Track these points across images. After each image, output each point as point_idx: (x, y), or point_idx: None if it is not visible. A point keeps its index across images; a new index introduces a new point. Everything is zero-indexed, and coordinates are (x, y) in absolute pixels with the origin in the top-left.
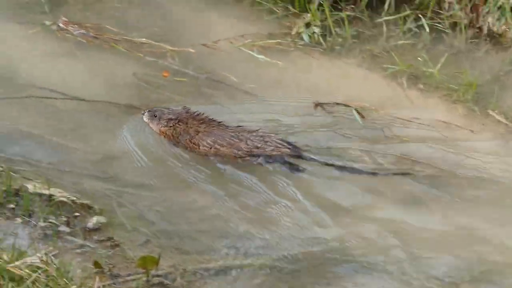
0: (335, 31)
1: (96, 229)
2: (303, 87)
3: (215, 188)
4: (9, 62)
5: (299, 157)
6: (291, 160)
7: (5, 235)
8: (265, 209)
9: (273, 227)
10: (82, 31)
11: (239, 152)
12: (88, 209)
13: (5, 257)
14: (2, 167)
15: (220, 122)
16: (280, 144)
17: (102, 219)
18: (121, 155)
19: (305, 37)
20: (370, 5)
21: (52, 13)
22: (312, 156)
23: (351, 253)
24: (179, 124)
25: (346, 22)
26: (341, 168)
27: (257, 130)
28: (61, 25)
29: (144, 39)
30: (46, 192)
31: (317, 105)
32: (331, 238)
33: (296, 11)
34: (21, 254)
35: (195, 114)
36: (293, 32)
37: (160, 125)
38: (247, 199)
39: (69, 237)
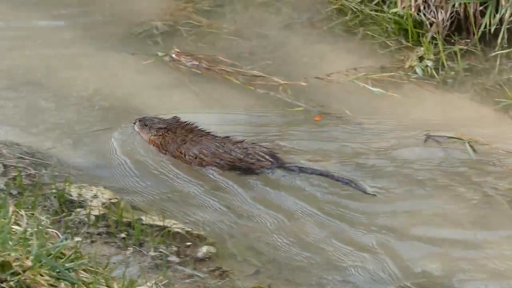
0: (447, 64)
1: (206, 259)
2: (415, 119)
3: (327, 220)
4: (123, 93)
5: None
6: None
7: (116, 264)
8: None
9: (387, 260)
10: (195, 62)
11: (221, 162)
12: (199, 239)
13: (115, 286)
14: (117, 198)
15: (209, 132)
16: (262, 157)
17: (212, 249)
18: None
19: (418, 70)
20: (483, 39)
21: (165, 44)
22: (295, 167)
23: None
24: (168, 133)
25: (458, 56)
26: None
27: (241, 141)
28: (174, 56)
29: (256, 72)
30: (160, 223)
31: (429, 137)
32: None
33: (409, 44)
34: (131, 283)
35: (184, 123)
36: (406, 66)
37: (150, 134)
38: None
39: (179, 267)
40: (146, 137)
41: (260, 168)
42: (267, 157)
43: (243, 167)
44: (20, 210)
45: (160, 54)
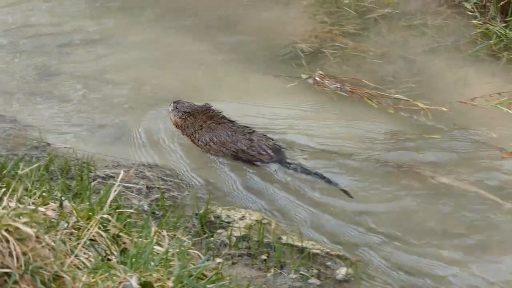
0: None
1: (345, 281)
2: None
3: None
4: (267, 115)
5: (282, 165)
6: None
7: (256, 286)
8: None
9: None
10: (338, 84)
11: (226, 151)
12: (340, 260)
13: None
14: (257, 220)
15: (230, 120)
16: (264, 151)
17: (351, 270)
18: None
19: None
20: None
21: (309, 66)
22: (294, 167)
23: None
24: (189, 118)
25: None
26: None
27: (252, 133)
28: (317, 78)
29: (399, 95)
30: (299, 243)
31: None
32: None
33: None
34: None
35: (208, 110)
36: None
37: (176, 116)
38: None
39: None
40: (173, 119)
41: (259, 161)
42: (268, 151)
43: (244, 158)
44: (162, 231)
45: (304, 76)
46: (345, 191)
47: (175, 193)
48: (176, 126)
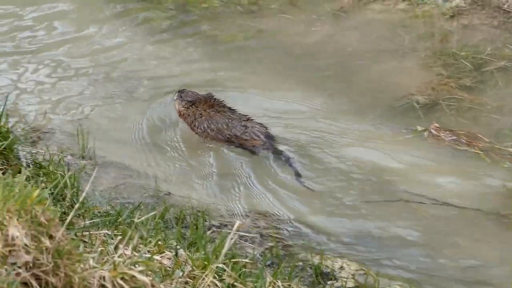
0: None
1: None
2: None
3: None
4: (380, 165)
5: (273, 152)
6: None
7: None
8: None
9: None
10: (454, 137)
11: (221, 137)
12: None
13: None
14: (364, 269)
15: (230, 109)
16: (256, 136)
17: None
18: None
19: None
20: None
21: (425, 118)
22: (285, 155)
23: None
24: (191, 107)
25: None
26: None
27: (247, 120)
28: (433, 131)
29: None
30: None
31: None
32: None
33: None
34: None
35: (210, 99)
36: None
37: (180, 105)
38: None
39: None
40: (177, 107)
41: (252, 146)
42: (261, 136)
43: (237, 143)
44: (277, 281)
45: (419, 128)
46: (307, 187)
47: (288, 242)
48: (179, 115)
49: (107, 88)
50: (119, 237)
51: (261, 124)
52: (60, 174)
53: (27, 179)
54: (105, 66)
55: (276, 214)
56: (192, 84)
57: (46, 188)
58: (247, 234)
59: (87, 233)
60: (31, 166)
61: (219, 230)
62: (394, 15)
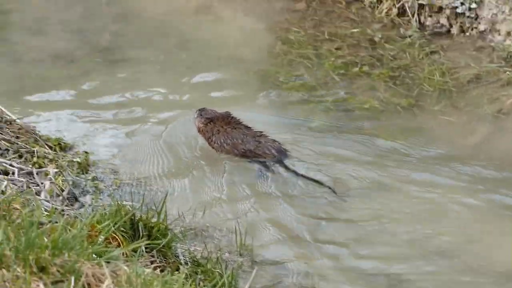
0: None
1: None
2: None
3: None
4: None
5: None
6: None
7: None
8: None
9: None
10: None
11: (236, 152)
12: None
13: None
14: None
15: (245, 126)
16: (268, 150)
17: None
18: None
19: None
20: None
21: None
22: (293, 168)
23: None
24: (210, 123)
25: None
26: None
27: (261, 136)
28: None
29: None
30: None
31: None
32: None
33: None
34: None
35: (227, 117)
36: None
37: (200, 122)
38: None
39: None
40: (197, 124)
41: (264, 159)
42: (273, 151)
43: (251, 157)
44: None
45: None
46: (330, 188)
47: None
48: (199, 131)
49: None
50: None
51: (274, 140)
52: (218, 272)
53: (186, 277)
54: None
55: None
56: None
57: (205, 286)
58: None
59: None
60: (189, 263)
61: None
62: None
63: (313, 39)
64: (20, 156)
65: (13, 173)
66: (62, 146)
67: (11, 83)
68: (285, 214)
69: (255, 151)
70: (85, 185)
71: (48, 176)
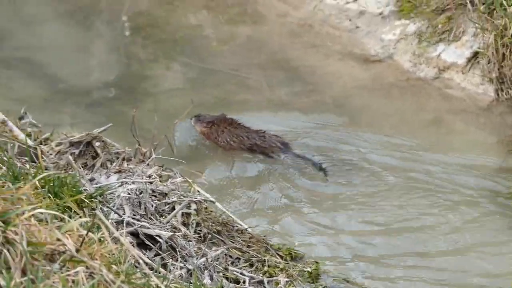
0: None
1: None
2: None
3: None
4: None
5: (291, 155)
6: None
7: None
8: None
9: None
10: None
11: (244, 147)
12: None
13: None
14: None
15: (244, 126)
16: (274, 143)
17: None
18: None
19: None
20: None
21: None
22: (301, 155)
23: None
24: (213, 126)
25: None
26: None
27: (264, 132)
28: None
29: None
30: None
31: None
32: None
33: None
34: None
35: (228, 118)
36: None
37: (202, 126)
38: None
39: None
40: (198, 129)
41: (271, 152)
42: (278, 144)
43: (258, 150)
44: None
45: None
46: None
47: None
48: (202, 134)
49: None
50: None
51: (276, 135)
52: None
53: None
54: None
55: None
56: None
57: None
58: None
59: None
60: None
61: None
62: None
63: None
64: (251, 265)
65: (244, 282)
66: (292, 256)
67: None
68: None
69: (261, 145)
70: None
71: (279, 286)
